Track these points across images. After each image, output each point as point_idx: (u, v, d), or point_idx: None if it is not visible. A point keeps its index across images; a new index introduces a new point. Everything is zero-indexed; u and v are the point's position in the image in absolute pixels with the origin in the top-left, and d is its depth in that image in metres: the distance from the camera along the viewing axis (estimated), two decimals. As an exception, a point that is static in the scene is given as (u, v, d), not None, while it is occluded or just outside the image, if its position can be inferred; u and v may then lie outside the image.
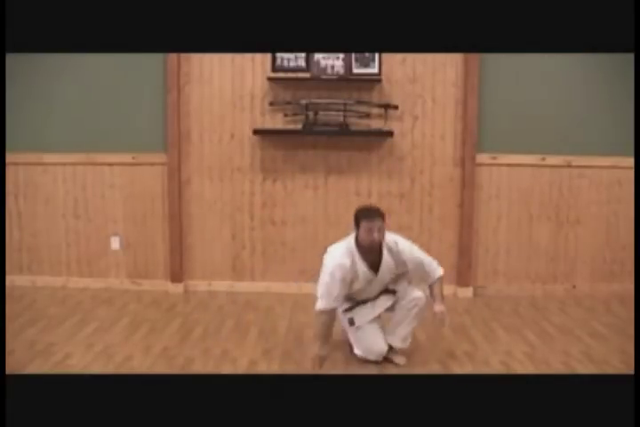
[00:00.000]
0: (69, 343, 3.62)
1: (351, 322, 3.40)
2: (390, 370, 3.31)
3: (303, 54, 4.58)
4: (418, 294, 3.37)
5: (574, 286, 4.87)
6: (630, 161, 4.65)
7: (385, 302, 3.42)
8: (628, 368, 3.29)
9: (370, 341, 3.35)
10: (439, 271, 3.40)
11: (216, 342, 3.70)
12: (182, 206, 4.78)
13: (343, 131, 4.59)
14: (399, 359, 3.40)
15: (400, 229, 4.77)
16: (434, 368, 3.33)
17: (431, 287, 3.41)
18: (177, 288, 4.81)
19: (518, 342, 3.73)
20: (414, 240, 4.72)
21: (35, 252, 4.89)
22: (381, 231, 3.19)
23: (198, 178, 4.77)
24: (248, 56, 4.63)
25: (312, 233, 4.80)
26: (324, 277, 3.19)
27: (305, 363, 3.35)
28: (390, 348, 3.39)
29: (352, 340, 3.43)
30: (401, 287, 3.42)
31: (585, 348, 3.64)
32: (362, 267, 3.24)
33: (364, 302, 3.41)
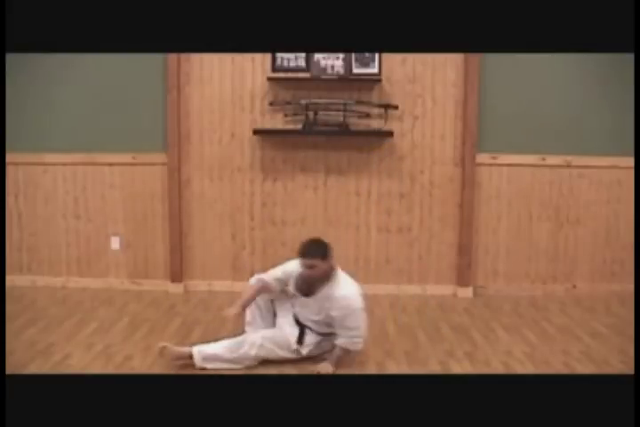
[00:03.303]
0: (69, 343, 3.62)
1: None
2: (390, 370, 3.31)
3: (303, 54, 4.58)
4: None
5: (574, 286, 4.87)
6: (630, 161, 4.66)
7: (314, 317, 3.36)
8: (628, 368, 3.29)
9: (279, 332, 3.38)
10: (357, 346, 3.29)
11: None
12: (182, 206, 4.78)
13: (343, 131, 4.59)
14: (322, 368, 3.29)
15: (400, 229, 4.80)
16: (434, 368, 3.33)
17: (336, 348, 3.31)
18: (177, 288, 4.81)
19: (518, 342, 3.73)
20: (414, 240, 4.79)
21: (35, 252, 4.89)
22: (312, 269, 3.22)
23: (198, 178, 4.77)
24: (248, 56, 4.63)
25: (312, 233, 4.76)
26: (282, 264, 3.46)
27: (305, 363, 3.35)
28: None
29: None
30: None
31: (585, 348, 3.64)
32: (292, 286, 3.38)
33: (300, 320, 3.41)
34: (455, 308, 4.46)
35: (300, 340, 3.32)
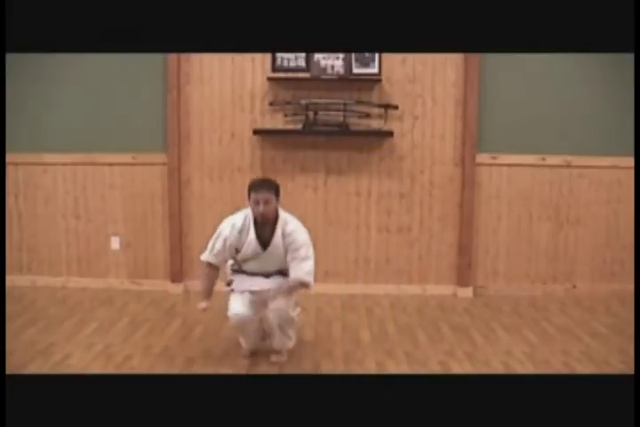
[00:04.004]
0: (69, 343, 3.62)
1: (229, 283, 3.41)
2: (390, 370, 3.31)
3: (303, 54, 4.58)
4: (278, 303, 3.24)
5: (574, 286, 4.87)
6: (630, 161, 4.66)
7: (268, 282, 3.31)
8: (628, 368, 3.29)
9: (234, 303, 3.28)
10: (309, 279, 3.24)
11: (216, 342, 3.70)
12: (182, 206, 4.78)
13: (343, 131, 4.59)
14: (275, 358, 3.41)
15: (400, 229, 4.80)
16: (434, 368, 3.33)
17: (287, 281, 3.27)
18: (177, 288, 4.81)
19: (518, 342, 3.73)
20: (414, 240, 4.79)
21: (35, 252, 4.89)
22: (268, 204, 3.20)
23: (198, 178, 4.77)
24: (248, 56, 4.63)
25: (312, 233, 4.74)
26: (215, 233, 3.36)
27: (305, 363, 3.36)
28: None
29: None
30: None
31: (585, 348, 3.64)
32: (251, 237, 3.26)
33: (254, 274, 3.34)
34: (455, 308, 4.46)
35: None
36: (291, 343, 3.47)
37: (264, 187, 3.23)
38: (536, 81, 4.65)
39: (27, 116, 4.72)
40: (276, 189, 3.26)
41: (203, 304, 3.34)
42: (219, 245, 3.31)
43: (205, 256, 3.36)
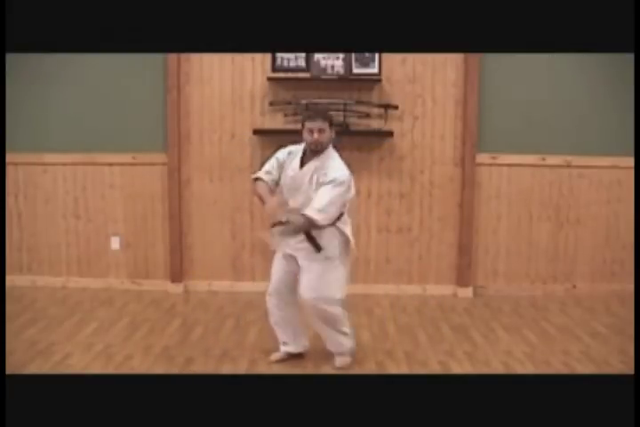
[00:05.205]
0: (69, 343, 3.62)
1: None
2: (390, 370, 3.31)
3: (303, 54, 4.58)
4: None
5: (574, 286, 4.87)
6: (630, 161, 4.65)
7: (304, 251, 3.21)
8: (628, 368, 3.29)
9: (272, 279, 3.40)
10: (309, 213, 3.05)
11: (216, 342, 3.70)
12: (182, 206, 4.78)
13: (343, 131, 4.58)
14: (339, 362, 3.32)
15: (400, 229, 4.80)
16: (434, 368, 3.33)
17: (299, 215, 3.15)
18: (177, 288, 4.81)
19: (518, 342, 3.73)
20: (414, 240, 4.79)
21: (35, 252, 4.89)
22: (322, 133, 3.13)
23: (198, 178, 4.77)
24: (248, 56, 4.63)
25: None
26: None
27: (305, 363, 3.35)
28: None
29: None
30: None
31: (585, 348, 3.64)
32: (296, 160, 3.24)
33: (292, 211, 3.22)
34: (455, 308, 4.46)
35: (318, 247, 3.17)
36: (348, 341, 3.32)
37: (319, 116, 3.17)
38: (536, 81, 4.64)
39: (27, 116, 4.72)
40: (330, 119, 3.19)
41: (271, 203, 3.16)
42: (271, 162, 3.34)
43: (257, 173, 3.35)
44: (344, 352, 3.33)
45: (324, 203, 3.06)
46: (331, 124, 3.19)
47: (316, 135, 3.13)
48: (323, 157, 3.18)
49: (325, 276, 3.18)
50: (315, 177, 3.15)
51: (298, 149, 3.29)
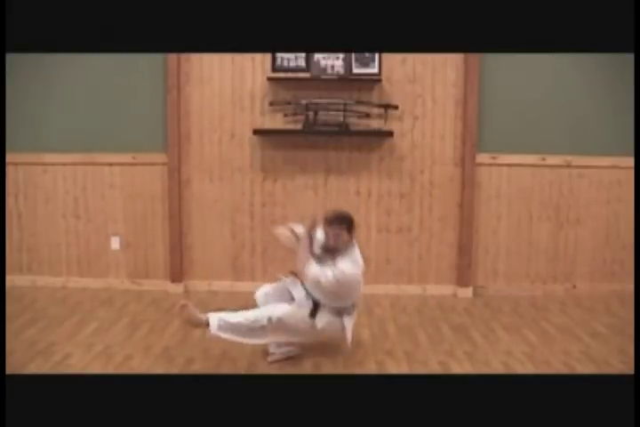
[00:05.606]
0: (69, 343, 3.62)
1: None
2: (390, 370, 3.31)
3: (303, 54, 4.58)
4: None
5: (574, 286, 4.87)
6: (630, 161, 4.66)
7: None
8: (628, 368, 3.29)
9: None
10: (301, 268, 3.29)
11: (216, 342, 3.69)
12: (182, 206, 4.78)
13: (343, 131, 4.59)
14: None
15: (400, 229, 4.80)
16: (434, 368, 3.33)
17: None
18: (177, 288, 4.81)
19: (518, 342, 3.73)
20: (414, 240, 4.79)
21: (35, 252, 4.89)
22: (338, 237, 3.29)
23: (198, 178, 4.77)
24: (248, 56, 4.63)
25: (312, 233, 4.80)
26: None
27: (305, 363, 3.35)
28: None
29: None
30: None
31: (585, 348, 3.64)
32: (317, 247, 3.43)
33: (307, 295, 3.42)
34: (455, 308, 4.46)
35: (314, 313, 3.31)
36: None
37: (336, 222, 3.31)
38: (536, 81, 4.65)
39: (27, 116, 4.72)
40: (348, 223, 3.32)
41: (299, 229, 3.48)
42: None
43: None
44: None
45: (316, 272, 3.22)
46: (350, 228, 3.32)
47: (331, 240, 3.32)
48: (339, 256, 3.32)
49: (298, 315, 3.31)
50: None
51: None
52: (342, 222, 3.31)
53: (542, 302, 4.62)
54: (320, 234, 3.45)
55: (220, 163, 4.75)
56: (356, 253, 3.37)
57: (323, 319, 3.31)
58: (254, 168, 4.75)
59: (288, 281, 3.51)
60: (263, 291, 3.56)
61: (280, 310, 3.28)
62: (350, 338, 3.38)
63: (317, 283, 3.23)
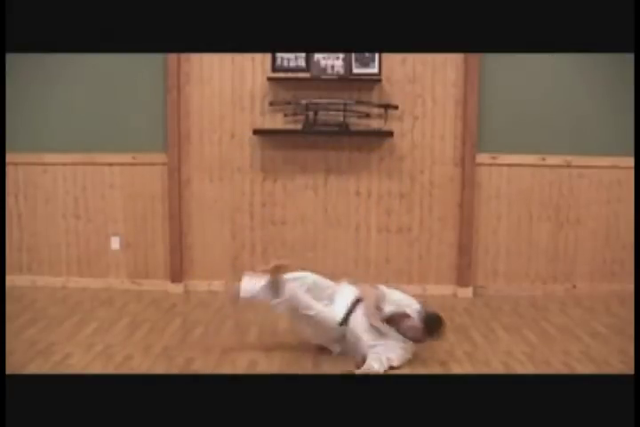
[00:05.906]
0: (69, 343, 3.62)
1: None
2: (390, 370, 3.30)
3: (303, 54, 4.58)
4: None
5: (574, 286, 4.87)
6: (630, 161, 4.66)
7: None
8: (628, 368, 3.29)
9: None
10: (371, 362, 3.23)
11: (216, 342, 3.70)
12: (182, 206, 4.78)
13: (343, 131, 4.59)
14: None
15: (400, 229, 4.80)
16: (434, 368, 3.33)
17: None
18: (177, 288, 4.81)
19: (518, 342, 3.73)
20: (414, 240, 4.79)
21: (35, 252, 4.89)
22: (416, 335, 3.38)
23: (198, 178, 4.77)
24: (248, 56, 4.63)
25: (312, 233, 4.80)
26: None
27: (305, 363, 3.35)
28: None
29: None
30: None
31: (585, 348, 3.64)
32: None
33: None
34: (455, 308, 4.46)
35: (346, 320, 3.41)
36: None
37: (435, 337, 3.40)
38: (536, 81, 4.65)
39: (27, 116, 4.72)
40: (438, 336, 3.43)
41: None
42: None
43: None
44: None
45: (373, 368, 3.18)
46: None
47: (410, 334, 3.38)
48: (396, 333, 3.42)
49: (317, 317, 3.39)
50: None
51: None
52: (436, 339, 3.40)
53: (542, 302, 4.62)
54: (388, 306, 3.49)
55: (219, 163, 4.75)
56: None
57: (354, 329, 3.40)
58: (254, 168, 4.75)
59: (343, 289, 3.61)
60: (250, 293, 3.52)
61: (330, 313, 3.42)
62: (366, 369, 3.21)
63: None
